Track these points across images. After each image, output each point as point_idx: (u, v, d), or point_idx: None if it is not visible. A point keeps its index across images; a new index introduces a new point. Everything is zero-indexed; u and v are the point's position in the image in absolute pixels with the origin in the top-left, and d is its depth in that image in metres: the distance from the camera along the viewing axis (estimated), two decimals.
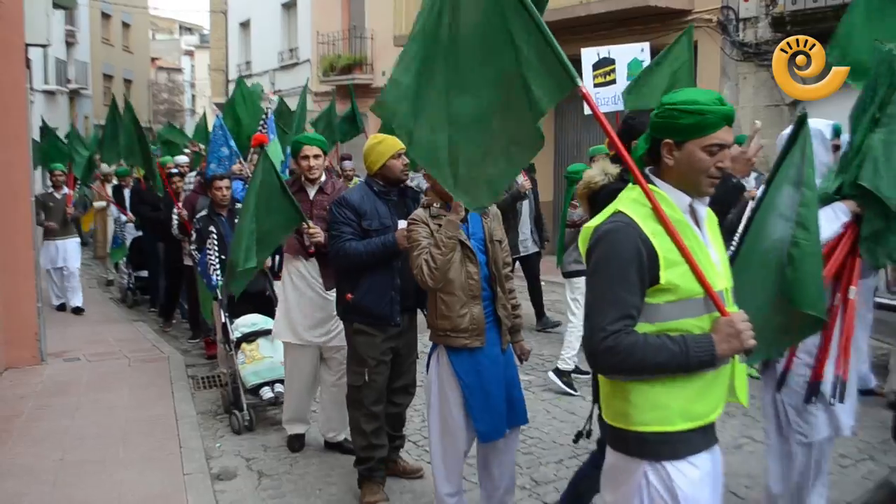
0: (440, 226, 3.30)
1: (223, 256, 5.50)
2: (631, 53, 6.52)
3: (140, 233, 9.55)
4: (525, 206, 7.78)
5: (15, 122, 6.72)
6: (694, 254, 2.00)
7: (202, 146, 8.30)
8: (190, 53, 53.91)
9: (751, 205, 3.08)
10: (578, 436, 3.33)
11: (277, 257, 5.71)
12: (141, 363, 6.85)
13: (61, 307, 9.44)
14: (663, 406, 2.02)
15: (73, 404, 5.69)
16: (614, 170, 3.18)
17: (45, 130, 10.93)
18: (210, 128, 8.55)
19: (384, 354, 3.95)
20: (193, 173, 8.37)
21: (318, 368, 4.76)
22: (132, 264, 9.86)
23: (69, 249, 9.23)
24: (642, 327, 2.01)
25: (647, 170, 2.15)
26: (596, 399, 2.90)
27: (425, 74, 2.34)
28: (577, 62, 6.10)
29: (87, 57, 31.55)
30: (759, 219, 2.62)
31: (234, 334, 5.35)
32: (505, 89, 2.18)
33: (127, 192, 10.43)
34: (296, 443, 4.83)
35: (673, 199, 2.06)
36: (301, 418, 4.88)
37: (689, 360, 1.96)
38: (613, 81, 6.41)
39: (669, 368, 1.97)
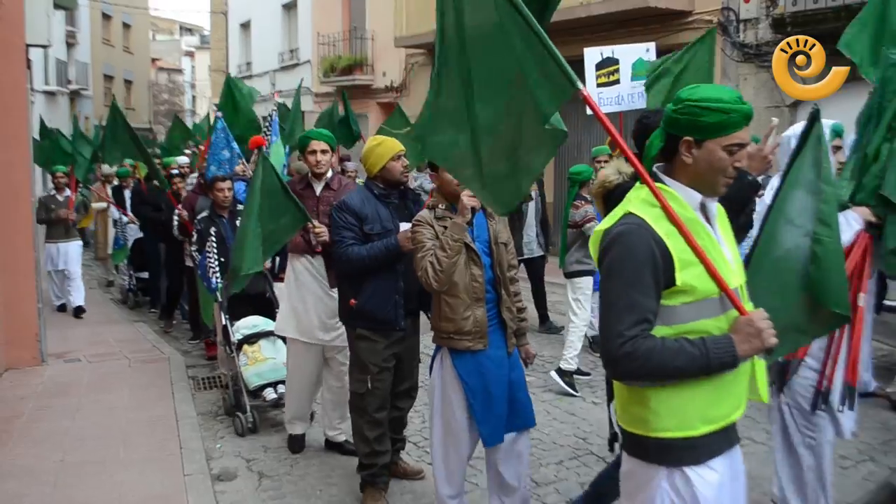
0: (445, 227, 3.27)
1: (223, 259, 5.50)
2: (636, 53, 6.50)
3: (142, 234, 9.56)
4: (531, 209, 7.75)
5: (15, 122, 6.72)
6: (708, 252, 1.96)
7: (201, 146, 8.30)
8: (190, 54, 53.97)
9: (759, 205, 3.06)
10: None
11: (278, 259, 5.71)
12: (141, 364, 6.85)
13: (62, 308, 9.44)
14: (684, 411, 1.99)
15: (73, 405, 5.69)
16: (629, 169, 3.15)
17: (45, 131, 10.93)
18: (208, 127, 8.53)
19: (387, 361, 3.92)
20: (195, 174, 8.37)
21: (320, 367, 4.73)
22: (133, 265, 9.86)
23: (70, 252, 9.22)
24: (660, 330, 1.97)
25: (654, 167, 2.10)
26: (610, 401, 2.87)
27: (443, 77, 2.33)
28: (579, 62, 6.17)
29: (88, 57, 31.59)
30: (770, 225, 2.58)
31: (236, 336, 5.34)
32: (511, 95, 2.17)
33: (127, 193, 10.44)
34: (296, 444, 4.82)
35: (684, 197, 2.02)
36: (301, 418, 4.87)
37: (709, 362, 1.91)
38: (617, 81, 6.39)
39: (690, 372, 1.93)
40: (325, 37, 20.07)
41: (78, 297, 9.29)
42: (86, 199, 10.28)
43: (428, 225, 3.34)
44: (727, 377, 1.98)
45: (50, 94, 25.12)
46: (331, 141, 4.66)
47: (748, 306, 2.04)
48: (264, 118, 7.49)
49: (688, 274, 1.94)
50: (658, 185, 2.03)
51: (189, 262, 7.20)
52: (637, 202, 2.04)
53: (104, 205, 10.86)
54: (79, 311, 9.21)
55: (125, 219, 9.93)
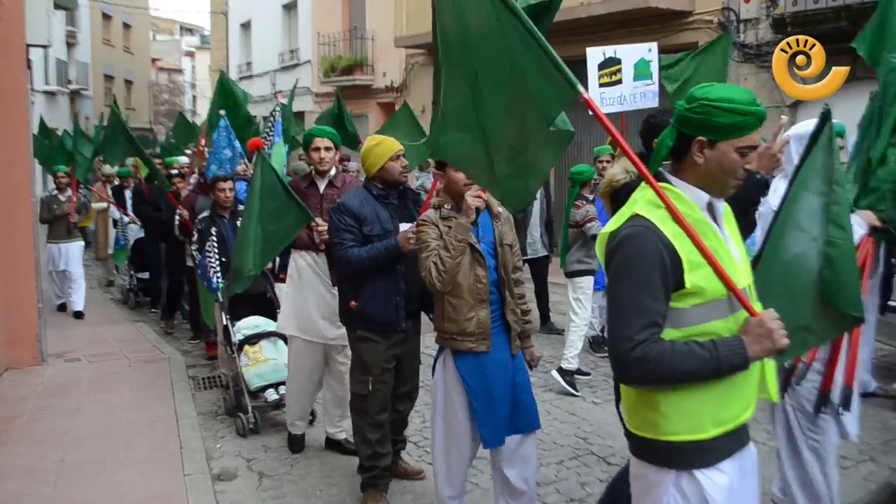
0: (450, 227, 3.25)
1: (223, 259, 5.50)
2: (638, 53, 6.48)
3: (143, 234, 9.56)
4: (535, 209, 7.74)
5: (16, 122, 6.72)
6: (715, 253, 1.93)
7: (200, 146, 8.29)
8: (191, 54, 53.99)
9: (766, 206, 3.05)
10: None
11: (278, 259, 5.70)
12: (141, 364, 6.85)
13: (62, 307, 9.43)
14: (694, 414, 1.97)
15: (73, 405, 5.69)
16: None
17: (46, 131, 10.92)
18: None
19: (388, 362, 3.90)
20: (196, 174, 8.36)
21: (322, 367, 4.71)
22: (134, 265, 9.86)
23: (72, 253, 9.20)
24: (669, 333, 1.94)
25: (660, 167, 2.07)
26: (618, 403, 2.85)
27: (447, 77, 2.33)
28: (579, 62, 6.17)
29: (88, 58, 31.59)
30: (778, 228, 2.54)
31: (237, 337, 5.33)
32: (512, 96, 2.16)
33: (128, 193, 10.44)
34: (296, 444, 4.81)
35: (691, 197, 1.99)
36: (302, 418, 4.85)
37: (720, 365, 1.89)
38: (619, 81, 6.38)
39: (700, 375, 1.91)
40: (325, 37, 20.08)
41: (78, 301, 9.26)
42: (86, 201, 10.28)
43: (433, 225, 3.32)
44: (737, 378, 1.96)
45: (50, 94, 25.13)
46: (335, 138, 4.63)
47: (757, 306, 2.01)
48: (265, 118, 7.49)
49: (697, 275, 1.92)
50: (664, 185, 2.00)
51: (190, 262, 7.20)
52: (643, 203, 2.00)
53: (104, 205, 10.87)
54: (78, 316, 9.20)
55: (126, 219, 9.93)
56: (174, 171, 8.32)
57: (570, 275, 6.25)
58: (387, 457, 3.99)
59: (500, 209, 3.47)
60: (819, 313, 2.50)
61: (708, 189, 2.02)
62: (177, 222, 7.21)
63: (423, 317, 4.12)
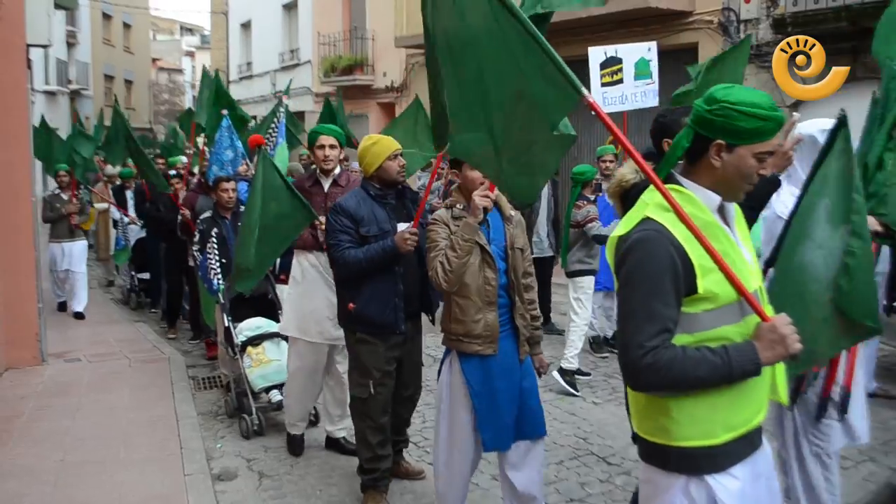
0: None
1: (224, 260, 5.49)
2: (638, 53, 6.49)
3: (144, 234, 9.56)
4: (543, 208, 7.73)
5: (16, 122, 6.72)
6: (727, 256, 1.90)
7: (204, 145, 8.29)
8: (191, 54, 53.93)
9: (770, 209, 3.04)
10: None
11: (278, 260, 5.70)
12: (142, 364, 6.85)
13: (62, 306, 9.42)
14: (706, 420, 1.94)
15: (73, 405, 5.69)
16: None
17: (46, 130, 10.90)
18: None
19: (388, 364, 3.86)
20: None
21: (323, 368, 4.70)
22: (134, 266, 9.86)
23: (75, 252, 9.18)
24: (680, 338, 1.91)
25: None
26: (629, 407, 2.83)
27: (450, 77, 2.35)
28: (583, 62, 6.17)
29: (88, 57, 31.59)
30: (789, 240, 2.50)
31: (239, 338, 5.31)
32: (515, 100, 2.15)
33: (129, 194, 10.43)
34: (295, 444, 4.78)
35: (702, 200, 1.95)
36: (302, 419, 4.84)
37: (731, 371, 1.86)
38: (621, 81, 6.38)
39: (712, 381, 1.88)
40: (325, 37, 20.08)
41: (79, 302, 9.25)
42: (86, 201, 10.27)
43: (444, 224, 3.29)
44: (749, 382, 1.93)
45: (50, 94, 25.15)
46: (340, 137, 4.62)
47: (768, 310, 1.98)
48: (266, 118, 7.49)
49: (709, 280, 1.89)
50: (674, 186, 1.97)
51: (191, 262, 7.19)
52: (654, 206, 1.96)
53: (105, 205, 10.87)
54: (78, 316, 9.18)
55: (126, 219, 9.93)
56: (172, 173, 8.29)
57: (571, 275, 6.25)
58: (387, 459, 3.97)
59: (513, 212, 3.44)
60: (829, 322, 2.45)
61: (721, 192, 1.98)
62: (179, 222, 7.21)
63: (424, 317, 4.12)
